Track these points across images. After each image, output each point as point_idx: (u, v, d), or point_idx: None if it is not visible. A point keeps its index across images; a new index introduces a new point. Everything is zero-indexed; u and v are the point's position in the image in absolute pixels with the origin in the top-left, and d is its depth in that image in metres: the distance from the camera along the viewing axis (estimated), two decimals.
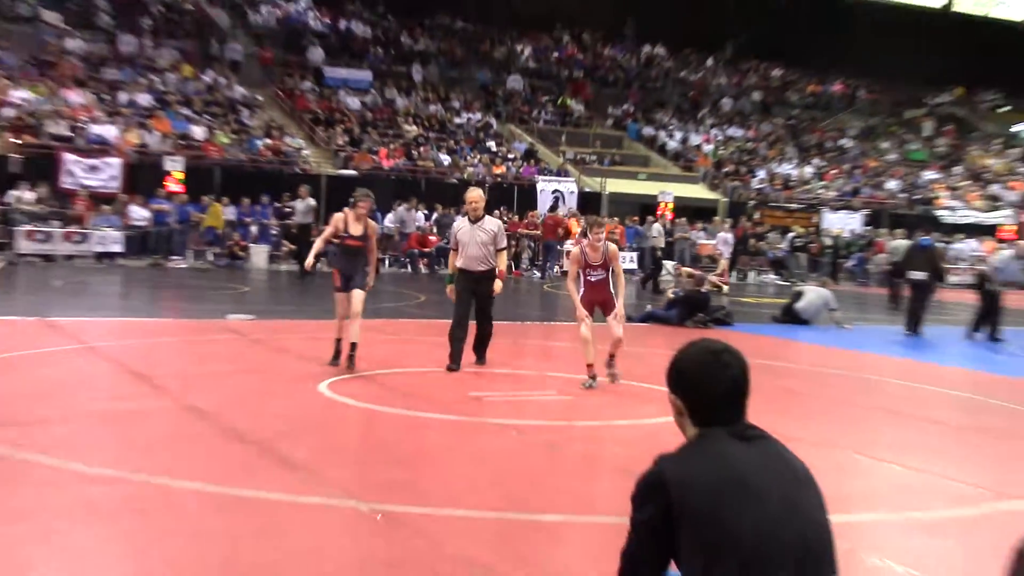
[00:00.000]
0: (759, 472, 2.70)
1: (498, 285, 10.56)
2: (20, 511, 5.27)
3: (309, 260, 10.80)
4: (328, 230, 10.54)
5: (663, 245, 26.15)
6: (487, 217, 10.80)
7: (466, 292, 10.52)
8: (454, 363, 10.37)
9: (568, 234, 27.52)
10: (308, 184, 24.98)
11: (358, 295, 10.09)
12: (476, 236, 10.49)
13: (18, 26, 32.25)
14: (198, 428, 7.42)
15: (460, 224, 10.80)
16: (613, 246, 10.14)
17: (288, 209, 25.44)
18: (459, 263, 10.62)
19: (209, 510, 5.48)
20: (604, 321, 9.99)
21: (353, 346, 9.99)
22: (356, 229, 10.20)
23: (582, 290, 9.97)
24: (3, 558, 4.50)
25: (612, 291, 9.94)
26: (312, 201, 24.02)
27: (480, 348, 10.83)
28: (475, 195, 10.82)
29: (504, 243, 10.79)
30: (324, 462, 6.59)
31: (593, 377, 9.83)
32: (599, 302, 9.98)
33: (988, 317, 17.09)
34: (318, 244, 10.82)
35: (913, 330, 16.92)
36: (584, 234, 10.26)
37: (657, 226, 26.85)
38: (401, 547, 5.02)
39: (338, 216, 10.35)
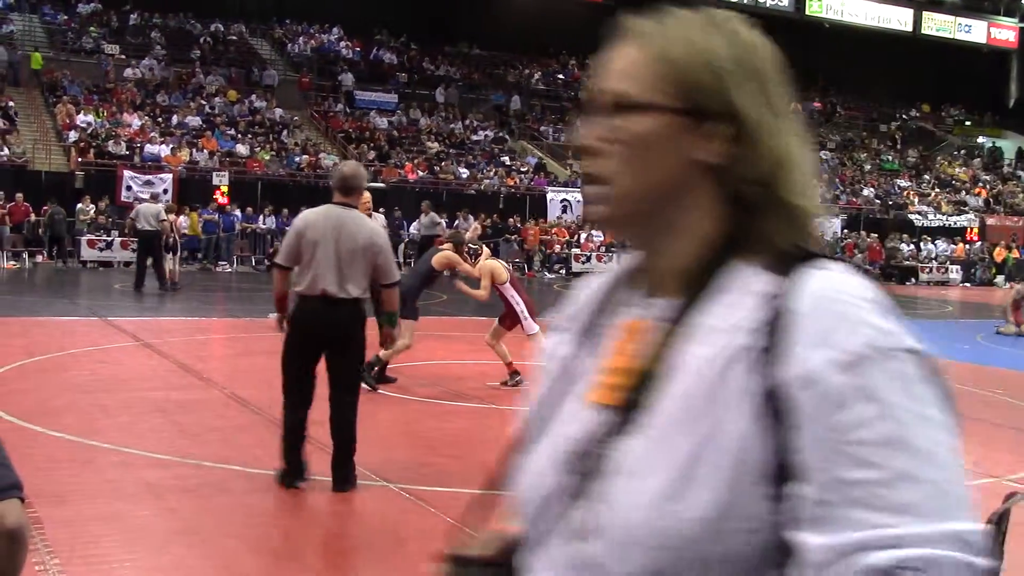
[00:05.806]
0: None
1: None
2: (89, 491, 5.25)
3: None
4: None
5: None
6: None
7: None
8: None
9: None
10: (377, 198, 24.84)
11: None
12: None
13: (82, 58, 32.43)
14: (243, 416, 7.39)
15: None
16: (485, 266, 9.17)
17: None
18: None
19: (255, 490, 5.43)
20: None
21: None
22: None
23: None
24: (76, 533, 4.50)
25: (512, 308, 9.04)
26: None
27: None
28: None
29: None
30: (358, 446, 6.51)
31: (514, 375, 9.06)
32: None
33: None
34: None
35: None
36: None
37: None
38: (428, 522, 4.96)
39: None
